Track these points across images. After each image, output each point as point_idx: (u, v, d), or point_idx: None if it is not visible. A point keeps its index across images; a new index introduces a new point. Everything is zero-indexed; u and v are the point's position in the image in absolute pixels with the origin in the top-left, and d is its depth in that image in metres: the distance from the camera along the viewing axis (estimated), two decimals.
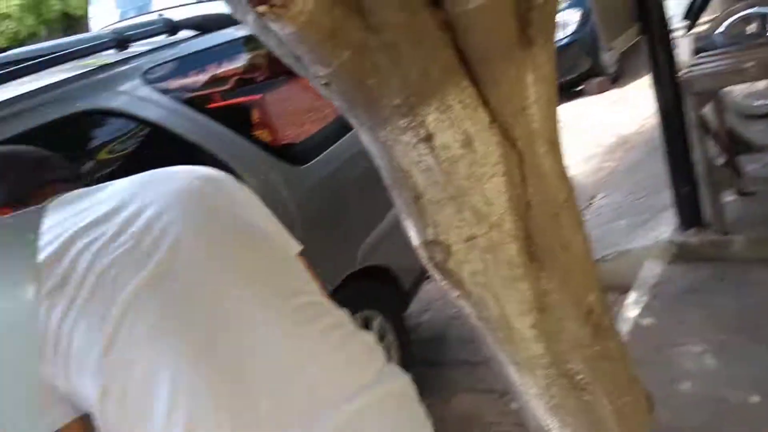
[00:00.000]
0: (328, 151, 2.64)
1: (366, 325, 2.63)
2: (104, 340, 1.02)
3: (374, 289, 2.68)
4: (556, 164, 1.36)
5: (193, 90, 2.42)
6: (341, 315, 1.29)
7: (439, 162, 1.27)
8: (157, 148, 2.23)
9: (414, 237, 1.39)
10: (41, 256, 1.02)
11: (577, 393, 1.50)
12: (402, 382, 1.26)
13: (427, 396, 2.88)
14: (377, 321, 2.67)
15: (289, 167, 2.41)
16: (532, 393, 1.51)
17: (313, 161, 2.51)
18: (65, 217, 1.10)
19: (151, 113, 2.14)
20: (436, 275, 1.43)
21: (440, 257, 1.38)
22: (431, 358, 3.10)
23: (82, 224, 1.09)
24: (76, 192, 1.20)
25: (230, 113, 2.44)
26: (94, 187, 1.22)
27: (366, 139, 1.32)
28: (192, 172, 1.24)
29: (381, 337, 2.69)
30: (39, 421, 0.95)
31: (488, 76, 1.25)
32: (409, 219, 1.38)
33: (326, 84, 1.22)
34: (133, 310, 1.05)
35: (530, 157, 1.31)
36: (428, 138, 1.24)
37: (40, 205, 1.11)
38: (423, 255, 1.40)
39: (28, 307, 0.85)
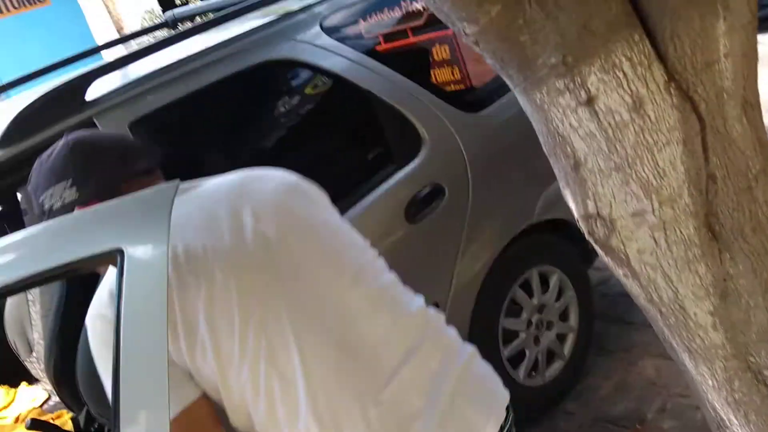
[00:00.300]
0: (508, 94, 2.50)
1: (543, 280, 2.52)
2: (246, 339, 1.10)
3: (554, 244, 2.54)
4: (750, 129, 1.15)
5: (367, 36, 2.39)
6: (420, 296, 1.33)
7: (602, 128, 1.12)
8: (332, 98, 2.25)
9: (573, 209, 1.27)
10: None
11: (764, 390, 1.31)
12: (471, 352, 1.31)
13: (609, 354, 2.76)
14: (555, 276, 2.54)
15: (464, 114, 2.31)
16: (710, 384, 1.35)
17: (490, 107, 2.39)
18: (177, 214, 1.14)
19: (326, 62, 2.15)
20: (598, 251, 1.30)
21: (602, 233, 1.24)
22: (616, 316, 2.91)
23: (196, 224, 1.16)
24: None
25: (406, 59, 2.39)
26: (187, 184, 1.25)
27: (521, 100, 1.20)
28: (279, 180, 1.29)
29: (559, 293, 2.57)
30: (172, 397, 1.00)
31: (666, 28, 1.07)
32: (567, 189, 1.25)
33: (474, 42, 1.12)
34: (272, 310, 1.13)
35: (716, 122, 1.12)
36: (590, 101, 1.10)
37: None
38: (583, 229, 1.27)
39: (164, 292, 0.89)
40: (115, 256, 0.90)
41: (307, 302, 1.15)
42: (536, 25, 1.05)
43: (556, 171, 1.26)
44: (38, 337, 2.61)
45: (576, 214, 1.27)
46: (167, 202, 0.91)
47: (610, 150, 1.14)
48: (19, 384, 3.06)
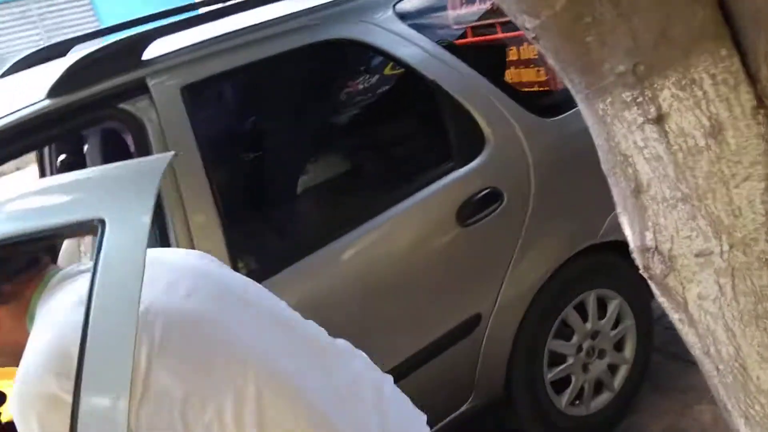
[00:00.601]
0: None
1: (600, 304, 2.34)
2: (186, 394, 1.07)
3: (617, 267, 2.35)
4: None
5: (443, 26, 2.26)
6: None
7: (671, 151, 0.97)
8: (397, 85, 2.14)
9: (629, 238, 1.12)
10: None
11: None
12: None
13: (664, 393, 2.56)
14: (615, 302, 2.36)
15: (535, 118, 2.16)
16: None
17: (566, 113, 2.22)
18: None
19: (395, 48, 2.04)
20: (653, 289, 1.14)
21: (659, 269, 1.09)
22: (677, 353, 2.69)
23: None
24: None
25: (482, 55, 2.25)
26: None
27: (582, 109, 1.06)
28: (186, 251, 1.36)
29: (617, 321, 2.38)
30: None
31: (762, 45, 0.90)
32: (624, 215, 1.10)
33: (534, 38, 0.99)
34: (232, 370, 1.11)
35: None
36: (659, 119, 0.95)
37: None
38: (638, 262, 1.12)
39: (142, 269, 0.82)
40: (96, 226, 0.83)
41: (249, 353, 1.13)
42: (606, 25, 0.91)
43: (614, 193, 1.11)
44: None
45: (631, 245, 1.12)
46: (157, 174, 0.83)
47: (678, 178, 0.99)
48: None
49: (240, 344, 1.13)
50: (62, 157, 2.81)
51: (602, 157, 1.08)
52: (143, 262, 0.83)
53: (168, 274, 1.17)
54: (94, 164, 2.61)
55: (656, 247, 1.06)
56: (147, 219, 0.82)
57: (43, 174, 2.89)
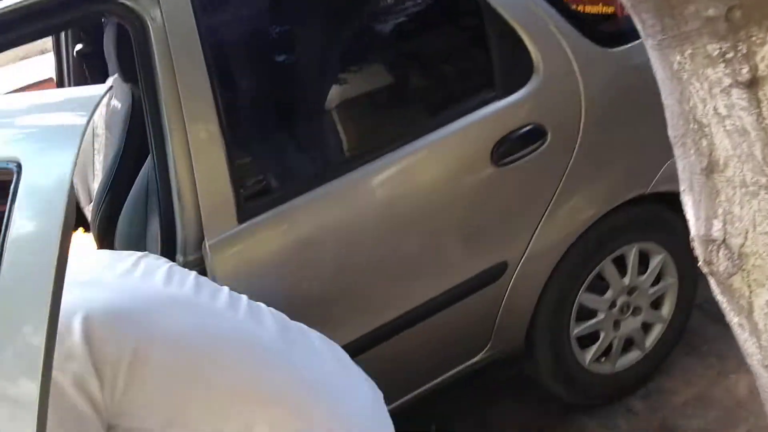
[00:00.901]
0: None
1: (642, 258, 2.13)
2: None
3: (667, 221, 2.12)
4: None
5: None
6: None
7: (762, 126, 0.75)
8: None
9: (690, 222, 0.91)
10: None
11: None
12: None
13: (699, 356, 2.37)
14: (658, 257, 2.14)
15: (595, 47, 1.88)
16: None
17: (631, 44, 1.93)
18: None
19: None
20: (711, 285, 0.94)
21: (724, 266, 0.88)
22: (719, 315, 2.47)
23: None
24: None
25: None
26: None
27: (652, 58, 0.83)
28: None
29: (658, 278, 2.18)
30: None
31: None
32: (689, 195, 0.89)
33: None
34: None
35: None
36: (752, 83, 0.73)
37: None
38: (697, 252, 0.91)
39: (60, 225, 0.67)
40: (10, 170, 0.66)
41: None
42: None
43: (679, 166, 0.90)
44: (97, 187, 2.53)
45: (692, 231, 0.91)
46: (87, 111, 0.65)
47: (765, 160, 0.77)
48: (76, 229, 3.05)
49: (217, 318, 1.20)
50: (79, 47, 2.64)
51: (670, 121, 0.86)
52: (65, 213, 0.67)
53: (132, 266, 1.23)
54: (109, 56, 2.43)
55: (724, 240, 0.86)
56: (70, 163, 0.64)
57: (59, 65, 2.74)
